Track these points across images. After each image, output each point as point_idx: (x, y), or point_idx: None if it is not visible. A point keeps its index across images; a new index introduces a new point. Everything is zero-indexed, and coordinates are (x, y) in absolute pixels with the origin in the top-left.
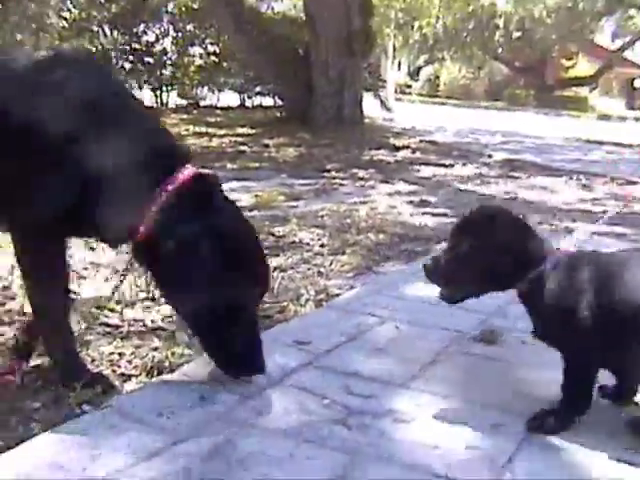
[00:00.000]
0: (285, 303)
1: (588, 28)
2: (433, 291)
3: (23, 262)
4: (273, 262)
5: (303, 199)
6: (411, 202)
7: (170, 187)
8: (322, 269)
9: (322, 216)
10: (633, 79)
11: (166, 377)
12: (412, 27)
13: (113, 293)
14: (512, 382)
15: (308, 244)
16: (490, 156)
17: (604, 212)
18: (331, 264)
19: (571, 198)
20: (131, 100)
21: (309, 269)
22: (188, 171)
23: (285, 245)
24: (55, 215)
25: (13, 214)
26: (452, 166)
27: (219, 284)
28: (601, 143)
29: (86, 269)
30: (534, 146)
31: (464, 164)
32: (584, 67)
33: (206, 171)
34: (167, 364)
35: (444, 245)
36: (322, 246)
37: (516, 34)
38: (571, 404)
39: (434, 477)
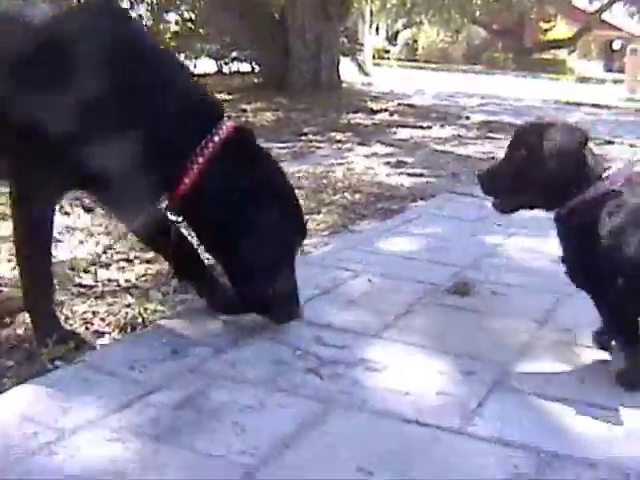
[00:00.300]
0: None
1: None
2: (408, 245)
3: (23, 214)
4: None
5: (280, 162)
6: (388, 163)
7: (216, 138)
8: None
9: (299, 178)
10: (611, 41)
11: (139, 332)
12: None
13: None
14: (483, 331)
15: None
16: (468, 118)
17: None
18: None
19: None
20: (167, 53)
21: None
22: (229, 123)
23: None
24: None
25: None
26: (429, 128)
27: (271, 232)
28: (579, 105)
29: (61, 233)
30: (512, 108)
31: (442, 126)
32: (562, 30)
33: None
34: (140, 320)
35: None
36: None
37: None
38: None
39: (405, 422)
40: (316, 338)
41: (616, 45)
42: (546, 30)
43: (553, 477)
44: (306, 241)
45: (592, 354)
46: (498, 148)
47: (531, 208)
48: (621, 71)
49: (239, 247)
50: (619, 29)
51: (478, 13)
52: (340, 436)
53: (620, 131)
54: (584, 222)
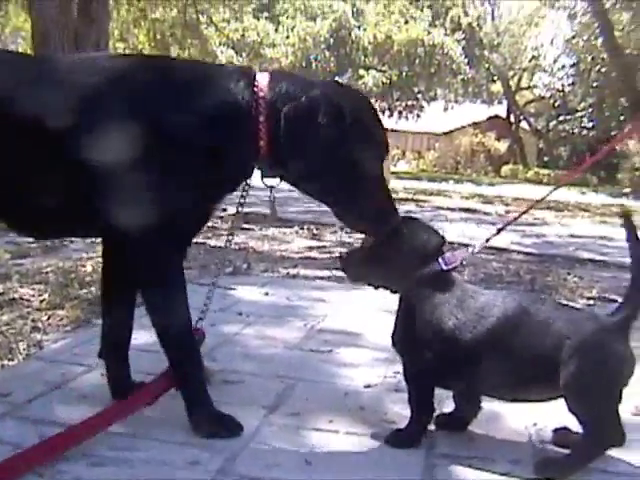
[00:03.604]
0: None
1: None
2: (146, 337)
3: None
4: None
5: (30, 257)
6: None
7: (261, 94)
8: (39, 324)
9: (47, 272)
10: None
11: None
12: None
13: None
14: None
15: (28, 300)
16: (225, 209)
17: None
18: (49, 318)
19: (299, 247)
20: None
21: (25, 324)
22: (259, 74)
23: (3, 302)
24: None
25: None
26: None
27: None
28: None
29: None
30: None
31: None
32: None
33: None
34: None
35: None
36: (42, 302)
37: None
38: (416, 417)
39: None
40: (39, 435)
41: None
42: None
43: None
44: (47, 337)
45: (319, 436)
46: (251, 238)
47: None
48: None
49: (336, 167)
50: None
51: None
52: None
53: None
54: (411, 297)
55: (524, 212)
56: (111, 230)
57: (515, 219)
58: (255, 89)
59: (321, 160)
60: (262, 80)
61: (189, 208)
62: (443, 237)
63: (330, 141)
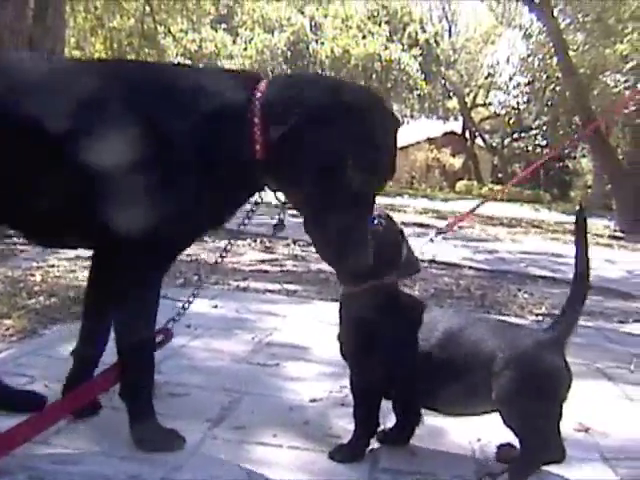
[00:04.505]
0: None
1: None
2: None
3: None
4: None
5: None
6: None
7: (257, 94)
8: None
9: None
10: None
11: None
12: None
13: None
14: None
15: None
16: None
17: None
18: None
19: (251, 259)
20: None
21: None
22: (261, 80)
23: None
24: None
25: None
26: None
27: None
28: (290, 208)
29: None
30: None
31: None
32: None
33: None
34: None
35: None
36: None
37: None
38: (360, 431)
39: None
40: None
41: None
42: None
43: None
44: None
45: (262, 450)
46: (204, 250)
47: None
48: None
49: (325, 179)
50: None
51: None
52: None
53: None
54: (365, 303)
55: (460, 219)
56: (104, 233)
57: (451, 227)
58: (253, 91)
59: (317, 163)
60: (261, 83)
61: (184, 216)
62: (419, 269)
63: (329, 144)
